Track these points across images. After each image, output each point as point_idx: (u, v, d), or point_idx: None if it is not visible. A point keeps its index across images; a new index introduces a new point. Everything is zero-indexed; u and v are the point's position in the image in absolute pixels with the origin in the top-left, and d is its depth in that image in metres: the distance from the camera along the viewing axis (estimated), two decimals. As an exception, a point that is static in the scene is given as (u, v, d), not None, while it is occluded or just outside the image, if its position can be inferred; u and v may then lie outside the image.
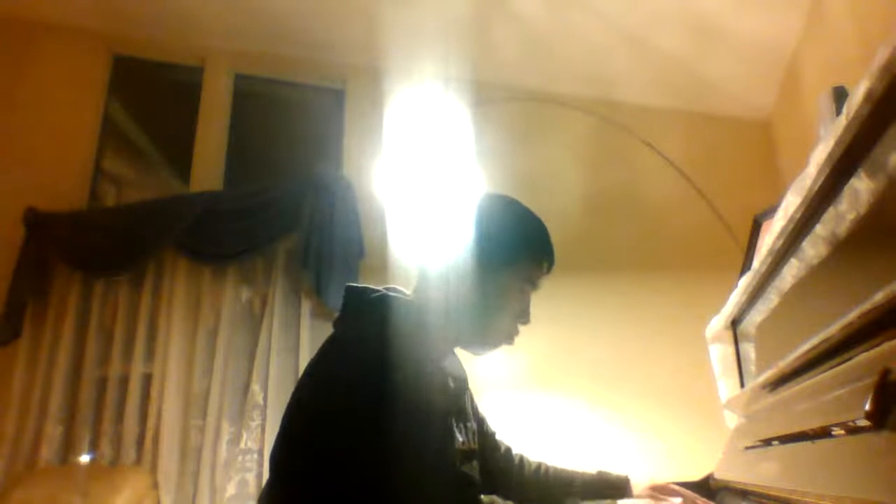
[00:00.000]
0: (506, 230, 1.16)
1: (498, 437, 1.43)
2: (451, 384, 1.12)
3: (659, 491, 1.34)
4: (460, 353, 1.24)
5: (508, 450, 1.43)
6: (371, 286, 1.10)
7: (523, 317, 1.18)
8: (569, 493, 1.36)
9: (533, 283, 1.18)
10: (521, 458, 1.44)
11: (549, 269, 1.20)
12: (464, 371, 1.27)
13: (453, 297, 1.12)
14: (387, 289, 1.10)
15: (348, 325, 1.09)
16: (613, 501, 1.16)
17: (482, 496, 0.99)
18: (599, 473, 1.42)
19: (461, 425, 1.10)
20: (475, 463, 1.11)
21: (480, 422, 1.36)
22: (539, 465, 1.43)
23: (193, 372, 2.45)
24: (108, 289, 2.54)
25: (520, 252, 1.16)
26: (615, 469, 1.44)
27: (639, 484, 1.39)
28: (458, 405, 1.14)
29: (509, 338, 1.18)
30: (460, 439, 1.04)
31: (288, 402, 1.02)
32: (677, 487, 1.37)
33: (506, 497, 1.05)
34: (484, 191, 1.23)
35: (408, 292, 1.14)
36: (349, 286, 1.12)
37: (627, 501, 1.23)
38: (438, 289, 1.12)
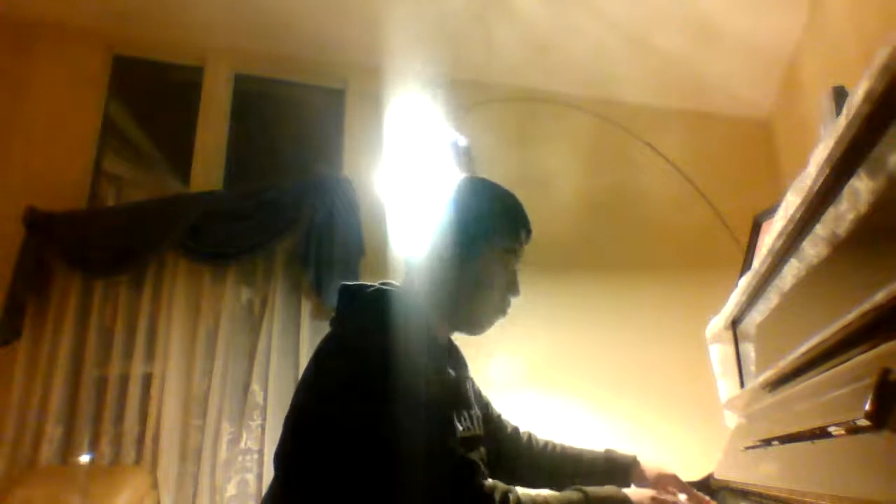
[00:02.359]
0: (477, 207, 1.17)
1: (504, 417, 1.42)
2: (451, 372, 1.12)
3: (667, 481, 1.33)
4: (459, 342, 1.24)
5: (515, 429, 1.43)
6: (365, 283, 1.11)
7: (512, 289, 1.18)
8: (576, 469, 1.36)
9: (514, 254, 1.19)
10: (530, 436, 1.43)
11: (527, 237, 1.21)
12: (463, 358, 1.28)
13: (440, 281, 1.13)
14: (382, 283, 1.11)
15: (345, 322, 1.09)
16: (618, 489, 1.15)
17: (485, 481, 0.98)
18: (607, 451, 1.41)
19: (463, 413, 1.10)
20: (482, 449, 1.11)
21: (485, 406, 1.36)
22: (547, 443, 1.43)
23: (193, 372, 2.45)
24: (108, 289, 2.54)
25: (494, 225, 1.17)
26: (624, 449, 1.43)
27: (648, 467, 1.37)
28: (458, 393, 1.15)
29: (502, 311, 1.18)
30: (460, 428, 1.05)
31: (291, 401, 1.03)
32: (684, 482, 1.36)
33: (514, 476, 1.05)
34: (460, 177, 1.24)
35: (398, 285, 1.14)
36: (343, 284, 1.13)
37: (632, 490, 1.22)
38: (425, 276, 1.13)
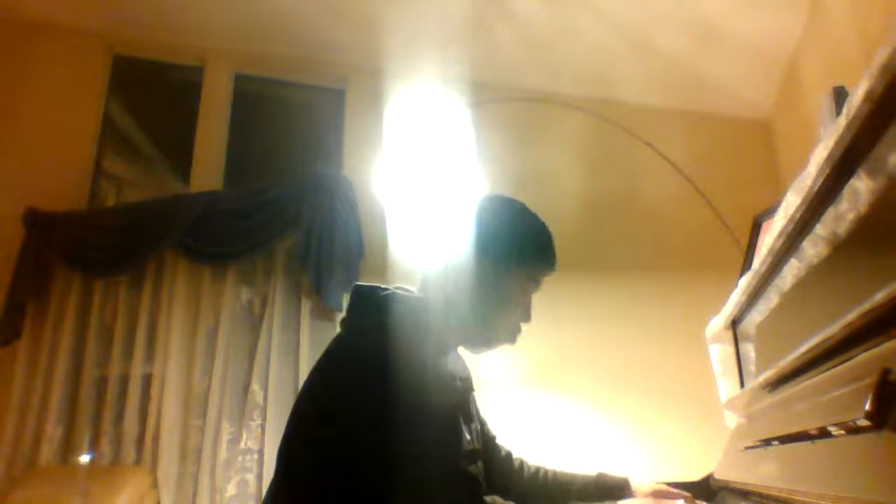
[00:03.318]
0: (513, 232, 1.18)
1: (498, 440, 1.43)
2: (458, 383, 1.12)
3: (661, 495, 1.34)
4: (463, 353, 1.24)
5: (509, 454, 1.43)
6: (380, 285, 1.11)
7: (525, 315, 1.19)
8: (567, 495, 1.36)
9: (536, 283, 1.20)
10: (522, 463, 1.43)
11: (551, 270, 1.22)
12: (468, 372, 1.28)
13: (459, 295, 1.13)
14: (397, 287, 1.10)
15: (355, 324, 1.09)
16: (615, 502, 1.16)
17: (485, 497, 0.99)
18: (599, 476, 1.42)
19: (467, 425, 1.10)
20: (479, 464, 1.11)
21: (482, 424, 1.36)
22: (538, 469, 1.43)
23: (193, 372, 2.45)
24: (108, 289, 2.54)
25: (526, 254, 1.18)
26: (615, 471, 1.44)
27: (641, 486, 1.39)
28: (464, 404, 1.15)
29: (512, 337, 1.19)
30: (468, 438, 1.05)
31: (295, 400, 1.03)
32: (679, 492, 1.37)
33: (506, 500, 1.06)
34: (489, 191, 1.24)
35: (415, 291, 1.14)
36: (357, 285, 1.12)
37: (630, 501, 1.23)
38: (444, 288, 1.13)
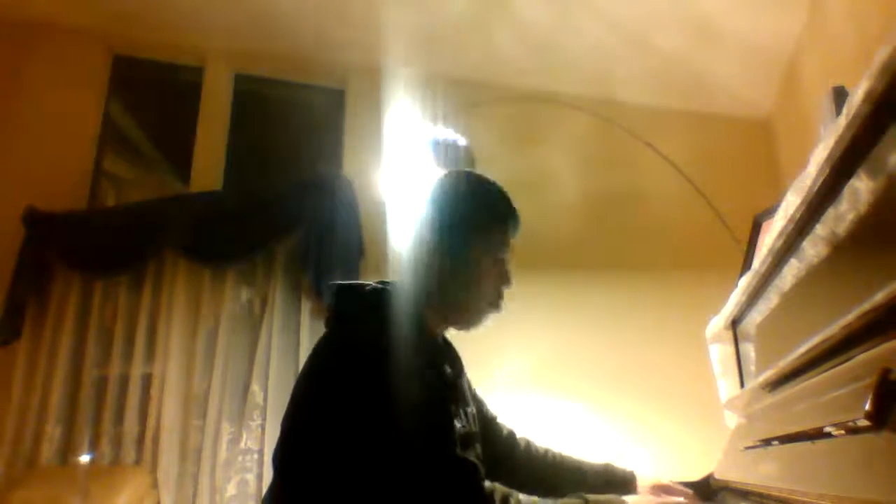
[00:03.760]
0: (462, 199, 1.17)
1: (499, 420, 1.42)
2: (448, 369, 1.12)
3: (662, 490, 1.35)
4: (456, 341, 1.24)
5: (511, 433, 1.43)
6: (362, 282, 1.11)
7: (503, 280, 1.17)
8: (574, 478, 1.36)
9: (503, 245, 1.18)
10: (528, 443, 1.43)
11: (515, 227, 1.20)
12: (459, 356, 1.28)
13: (431, 277, 1.13)
14: (378, 282, 1.10)
15: (340, 321, 1.09)
16: (619, 497, 1.16)
17: (484, 483, 0.98)
18: (606, 466, 1.42)
19: (460, 410, 1.10)
20: (477, 446, 1.11)
21: (479, 404, 1.36)
22: (546, 451, 1.43)
23: (193, 372, 2.45)
24: (108, 289, 2.54)
25: (480, 216, 1.17)
26: (621, 464, 1.44)
27: (644, 480, 1.39)
28: (455, 390, 1.15)
29: (496, 304, 1.17)
30: (459, 425, 1.05)
31: (288, 401, 1.03)
32: (681, 488, 1.37)
33: (510, 480, 1.05)
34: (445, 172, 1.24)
35: (393, 283, 1.14)
36: (339, 284, 1.12)
37: (633, 497, 1.23)
38: (417, 273, 1.13)
